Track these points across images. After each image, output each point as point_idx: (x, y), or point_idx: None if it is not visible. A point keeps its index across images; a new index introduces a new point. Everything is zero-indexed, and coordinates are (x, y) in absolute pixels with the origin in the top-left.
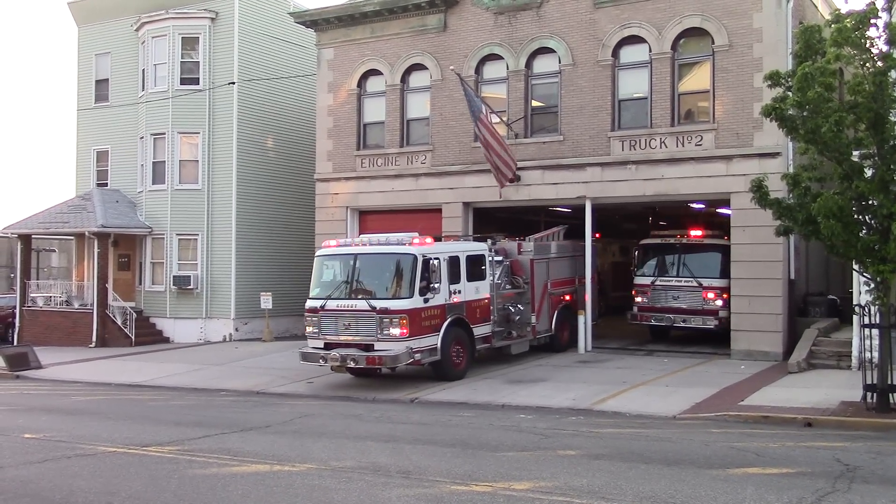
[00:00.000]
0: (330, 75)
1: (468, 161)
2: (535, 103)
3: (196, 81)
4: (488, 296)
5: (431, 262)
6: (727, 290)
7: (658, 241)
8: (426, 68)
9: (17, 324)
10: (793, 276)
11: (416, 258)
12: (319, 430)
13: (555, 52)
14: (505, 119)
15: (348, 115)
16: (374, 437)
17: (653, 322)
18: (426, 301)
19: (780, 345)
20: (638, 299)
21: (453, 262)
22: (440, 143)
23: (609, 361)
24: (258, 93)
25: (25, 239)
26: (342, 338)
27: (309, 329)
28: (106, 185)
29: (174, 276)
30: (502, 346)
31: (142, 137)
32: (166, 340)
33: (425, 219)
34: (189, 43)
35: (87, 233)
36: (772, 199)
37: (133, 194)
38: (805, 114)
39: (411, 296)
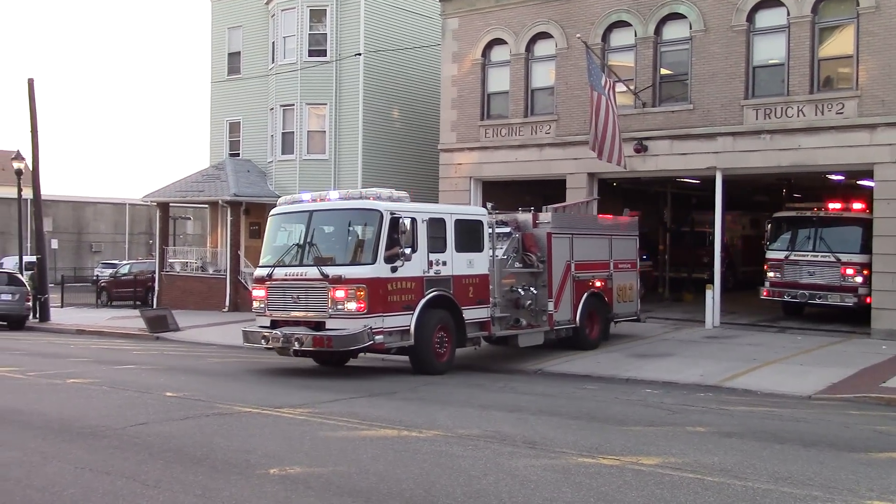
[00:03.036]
0: (454, 45)
1: None
2: (663, 71)
3: (324, 53)
4: (486, 272)
5: (402, 220)
6: (868, 265)
7: (793, 213)
8: (551, 37)
9: (156, 288)
10: None
11: (381, 215)
12: (444, 398)
13: (685, 17)
14: (632, 88)
15: (472, 85)
16: (499, 407)
17: (786, 298)
18: (394, 270)
19: None
20: (770, 274)
21: (436, 225)
22: (565, 113)
23: (738, 338)
24: (384, 63)
25: (163, 207)
26: (291, 314)
27: (255, 304)
28: (238, 155)
29: None
30: (506, 335)
31: (271, 109)
32: None
33: (549, 189)
34: (317, 15)
35: (220, 201)
36: None
37: (263, 164)
38: None
39: (374, 262)
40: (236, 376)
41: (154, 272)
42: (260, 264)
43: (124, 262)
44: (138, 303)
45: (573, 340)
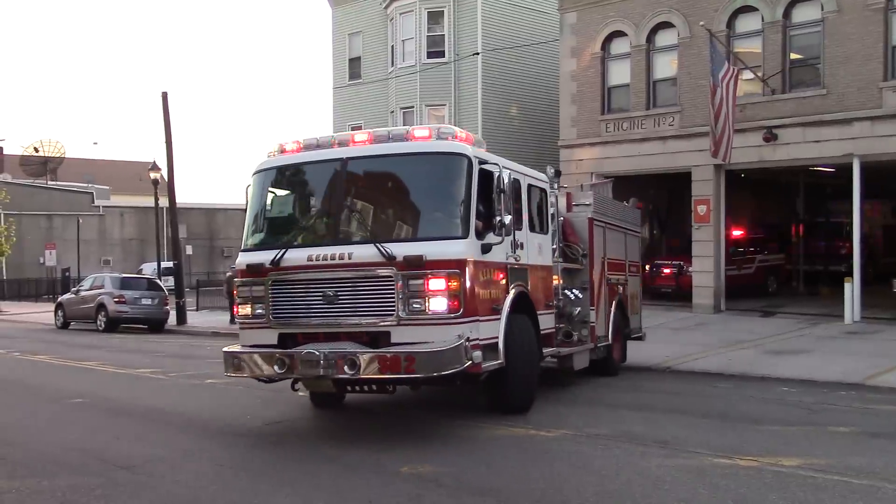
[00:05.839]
0: (573, 40)
1: None
2: (793, 56)
3: (441, 54)
4: (551, 263)
5: (499, 176)
6: None
7: None
8: (673, 26)
9: None
10: None
11: (469, 163)
12: (571, 397)
13: None
14: (759, 75)
15: (592, 80)
16: (627, 406)
17: None
18: (486, 250)
19: None
20: None
21: (515, 188)
22: (689, 104)
23: (881, 333)
24: (501, 62)
25: None
26: (317, 322)
27: (243, 310)
28: None
29: None
30: (564, 354)
31: (392, 112)
32: None
33: (673, 183)
34: (434, 17)
35: None
36: None
37: None
38: None
39: (465, 234)
40: None
41: None
42: (246, 246)
43: None
44: None
45: (601, 363)
